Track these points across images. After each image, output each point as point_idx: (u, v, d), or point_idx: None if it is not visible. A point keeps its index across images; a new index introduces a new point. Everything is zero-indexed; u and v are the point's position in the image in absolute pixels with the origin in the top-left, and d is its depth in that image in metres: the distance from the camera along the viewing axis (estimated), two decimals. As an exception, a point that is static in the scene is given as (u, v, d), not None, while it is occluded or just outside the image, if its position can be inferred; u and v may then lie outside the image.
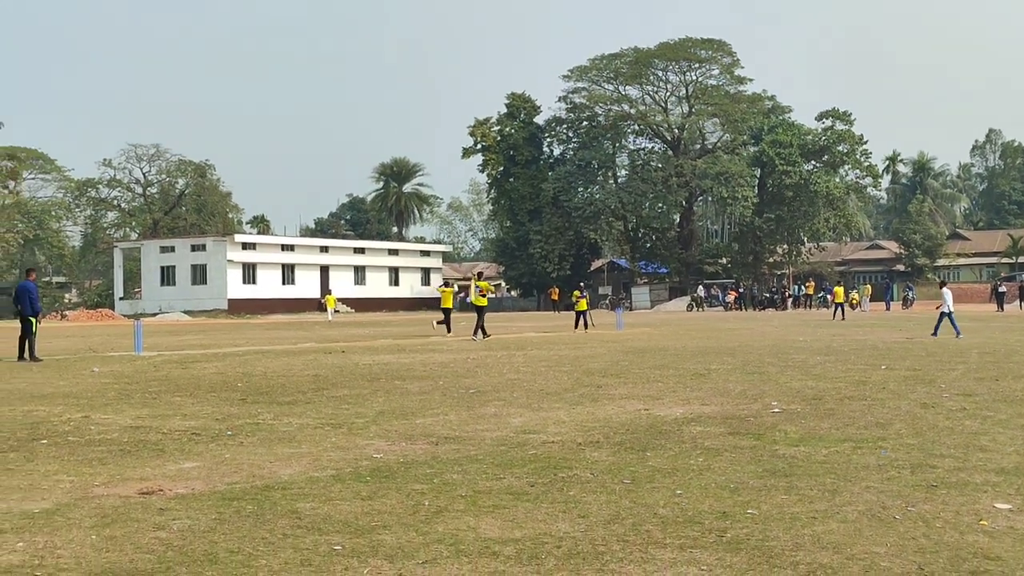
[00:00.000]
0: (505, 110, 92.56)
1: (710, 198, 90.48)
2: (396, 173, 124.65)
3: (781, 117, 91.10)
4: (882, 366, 18.72)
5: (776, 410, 12.48)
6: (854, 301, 53.26)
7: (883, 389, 14.67)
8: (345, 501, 7.65)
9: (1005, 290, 61.42)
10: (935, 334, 29.06)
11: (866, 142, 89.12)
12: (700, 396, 14.21)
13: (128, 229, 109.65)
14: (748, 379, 16.63)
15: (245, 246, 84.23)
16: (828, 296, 66.68)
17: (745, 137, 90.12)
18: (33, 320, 23.84)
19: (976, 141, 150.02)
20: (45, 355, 24.69)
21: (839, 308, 50.96)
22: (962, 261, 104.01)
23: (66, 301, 75.91)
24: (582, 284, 48.99)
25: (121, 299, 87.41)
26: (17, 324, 24.66)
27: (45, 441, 10.79)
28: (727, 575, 5.74)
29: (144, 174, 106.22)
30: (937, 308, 30.91)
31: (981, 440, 10.06)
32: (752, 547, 6.28)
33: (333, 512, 7.29)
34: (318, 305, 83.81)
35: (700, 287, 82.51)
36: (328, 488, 8.12)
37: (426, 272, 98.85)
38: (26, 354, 23.55)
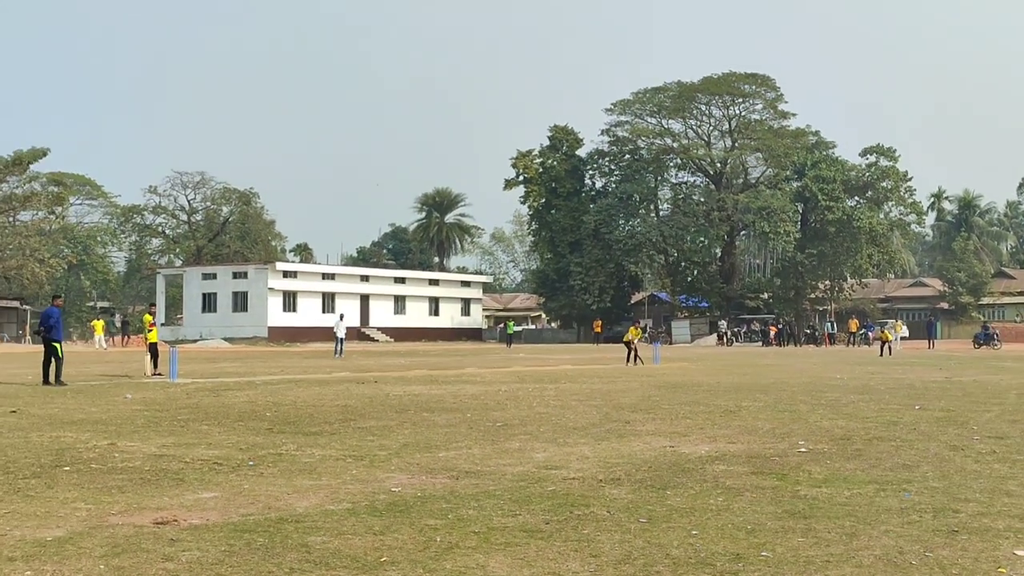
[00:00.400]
0: (548, 142, 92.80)
1: (752, 233, 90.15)
2: (438, 203, 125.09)
3: (824, 152, 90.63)
4: (916, 406, 18.49)
5: (803, 450, 12.35)
6: (886, 337, 52.84)
7: (913, 430, 14.49)
8: (357, 535, 7.61)
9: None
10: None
11: (911, 178, 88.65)
12: (728, 434, 14.09)
13: (172, 255, 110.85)
14: (778, 417, 16.48)
15: (286, 274, 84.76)
16: (870, 333, 66.19)
17: (788, 172, 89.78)
18: (57, 345, 24.03)
19: (1023, 179, 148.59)
20: (81, 380, 24.87)
21: (885, 345, 50.82)
22: (1007, 300, 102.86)
23: (116, 326, 76.37)
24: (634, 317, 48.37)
25: (163, 325, 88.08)
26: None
27: (68, 468, 10.84)
28: (733, 620, 5.66)
29: (189, 201, 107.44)
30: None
31: (1008, 484, 9.89)
32: (762, 591, 6.20)
33: (343, 546, 7.26)
34: (357, 334, 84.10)
35: (723, 322, 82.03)
36: (342, 522, 8.10)
37: (466, 303, 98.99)
38: (51, 378, 23.75)
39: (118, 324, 73.73)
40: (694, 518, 8.28)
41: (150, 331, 29.65)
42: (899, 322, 73.76)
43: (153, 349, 28.81)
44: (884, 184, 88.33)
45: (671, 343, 79.62)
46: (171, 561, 6.82)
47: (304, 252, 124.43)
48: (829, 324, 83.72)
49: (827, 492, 9.47)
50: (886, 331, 55.00)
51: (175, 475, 10.45)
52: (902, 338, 66.33)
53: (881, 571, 6.67)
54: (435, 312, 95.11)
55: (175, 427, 14.93)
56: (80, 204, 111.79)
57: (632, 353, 37.25)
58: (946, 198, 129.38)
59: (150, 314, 31.17)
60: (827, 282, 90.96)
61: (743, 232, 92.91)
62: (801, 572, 6.62)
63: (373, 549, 7.19)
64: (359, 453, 12.05)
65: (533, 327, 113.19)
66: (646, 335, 79.72)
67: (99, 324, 64.27)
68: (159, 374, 27.62)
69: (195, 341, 74.71)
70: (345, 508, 8.67)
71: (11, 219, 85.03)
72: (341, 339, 49.44)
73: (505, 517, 8.31)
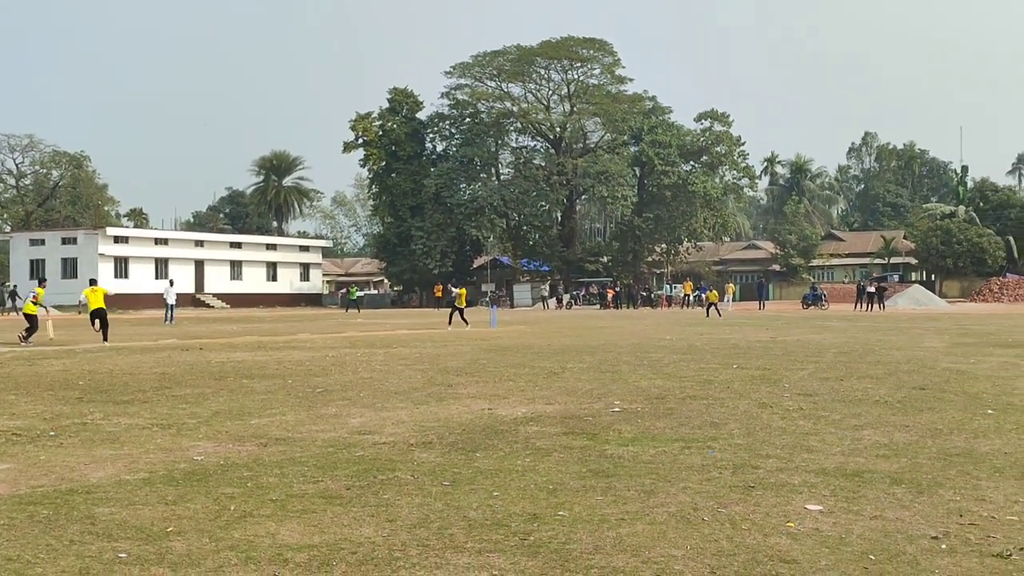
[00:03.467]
0: (387, 105, 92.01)
1: (591, 197, 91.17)
2: (276, 167, 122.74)
3: (661, 117, 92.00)
4: (734, 365, 18.89)
5: (616, 409, 12.47)
6: (712, 298, 54.43)
7: (727, 388, 14.78)
8: (148, 506, 7.38)
9: (873, 289, 62.70)
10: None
11: (744, 143, 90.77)
12: (547, 395, 14.16)
13: (0, 221, 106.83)
14: (599, 378, 16.64)
15: (117, 239, 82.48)
16: (704, 295, 67.64)
17: (625, 137, 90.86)
18: None
19: (852, 143, 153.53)
20: None
21: (712, 307, 52.19)
22: (836, 261, 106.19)
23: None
24: (453, 282, 48.87)
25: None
26: None
27: None
28: (518, 581, 5.64)
29: (17, 165, 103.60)
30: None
31: (810, 440, 10.13)
32: (552, 550, 6.19)
33: (131, 518, 7.03)
34: (192, 300, 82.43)
35: (545, 286, 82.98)
36: (134, 492, 7.84)
37: (305, 268, 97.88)
38: None
39: (6, 294, 70.37)
40: (498, 479, 8.27)
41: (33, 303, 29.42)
42: (730, 284, 75.52)
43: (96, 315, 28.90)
44: (718, 149, 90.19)
45: (512, 307, 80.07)
46: (-58, 537, 6.50)
47: (138, 217, 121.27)
48: (668, 287, 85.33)
49: (633, 451, 9.56)
50: (711, 293, 56.46)
51: (-32, 448, 10.01)
52: (732, 299, 68.01)
53: (673, 527, 6.73)
54: (273, 278, 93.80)
55: (-21, 398, 14.34)
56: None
57: (453, 312, 37.63)
58: (779, 162, 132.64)
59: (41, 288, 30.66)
60: (664, 245, 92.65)
61: (583, 196, 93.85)
62: (594, 531, 6.64)
63: (162, 519, 6.98)
64: (168, 422, 11.74)
65: (375, 292, 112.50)
66: (486, 299, 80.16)
67: None
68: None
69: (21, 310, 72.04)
70: (141, 478, 8.41)
71: None
72: (172, 305, 48.44)
73: (306, 484, 8.16)
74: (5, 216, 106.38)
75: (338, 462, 9.11)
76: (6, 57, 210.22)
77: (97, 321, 28.83)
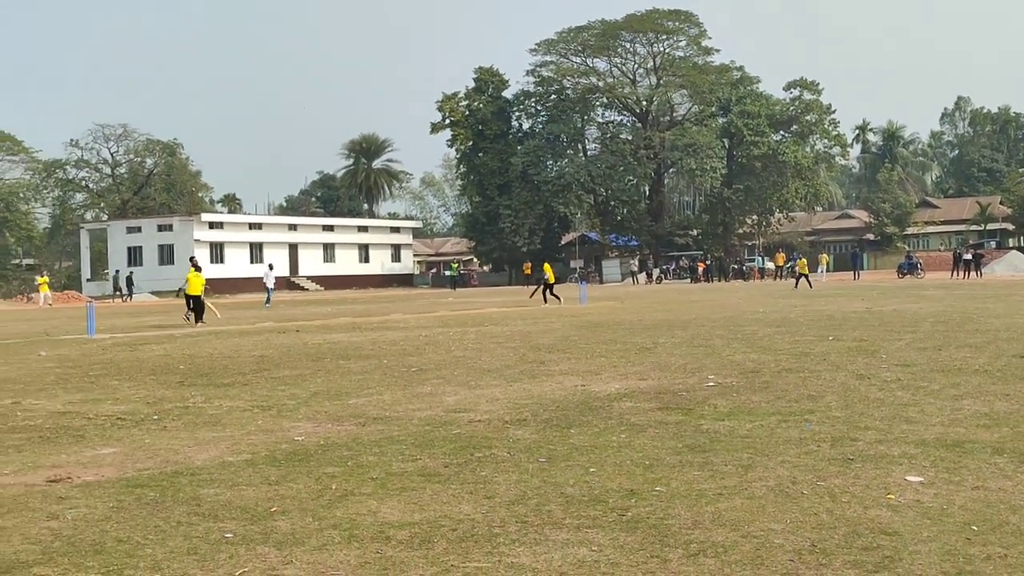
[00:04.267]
0: (473, 84, 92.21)
1: (679, 170, 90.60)
2: (365, 149, 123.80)
3: (749, 88, 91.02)
4: (830, 337, 18.68)
5: (711, 384, 12.42)
6: (802, 270, 53.47)
7: (823, 360, 14.63)
8: (251, 486, 7.53)
9: (970, 256, 61.52)
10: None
11: (834, 111, 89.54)
12: (640, 371, 14.14)
13: (97, 210, 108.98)
14: (692, 353, 16.57)
15: (212, 225, 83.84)
16: (795, 266, 66.94)
17: (713, 108, 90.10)
18: None
19: (945, 109, 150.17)
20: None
21: (802, 278, 51.57)
22: (931, 229, 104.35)
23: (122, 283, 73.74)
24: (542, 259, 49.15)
25: (89, 280, 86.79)
26: None
27: (-35, 430, 10.64)
28: (618, 555, 5.65)
29: (112, 154, 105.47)
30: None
31: (909, 411, 10.00)
32: (650, 526, 6.20)
33: (235, 498, 7.18)
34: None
35: (634, 261, 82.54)
36: (238, 473, 8.01)
37: (396, 249, 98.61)
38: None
39: (123, 281, 71.80)
40: (594, 456, 8.29)
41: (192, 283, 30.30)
42: (823, 254, 74.57)
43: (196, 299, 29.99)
44: (808, 118, 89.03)
45: (601, 283, 79.94)
46: (56, 519, 6.70)
47: (232, 202, 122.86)
48: (759, 259, 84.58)
49: (729, 425, 9.52)
50: (800, 262, 55.69)
51: (76, 432, 10.28)
52: (826, 270, 67.13)
53: (772, 501, 6.70)
54: (365, 259, 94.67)
55: (84, 383, 14.71)
56: (0, 160, 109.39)
57: (545, 290, 37.87)
58: (870, 130, 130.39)
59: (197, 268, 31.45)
60: (754, 217, 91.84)
61: (671, 170, 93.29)
62: (692, 505, 6.64)
63: (265, 499, 7.11)
64: (268, 403, 11.95)
65: (459, 267, 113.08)
66: (575, 276, 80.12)
67: (44, 281, 62.99)
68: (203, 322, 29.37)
69: (111, 296, 73.50)
70: (244, 459, 8.58)
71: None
72: (271, 289, 49.22)
73: (405, 462, 8.26)
74: (102, 205, 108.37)
75: (435, 440, 9.21)
76: (100, 48, 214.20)
77: (192, 303, 29.48)
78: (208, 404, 12.04)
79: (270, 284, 49.39)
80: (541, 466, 7.95)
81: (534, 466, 7.96)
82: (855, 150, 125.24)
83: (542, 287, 39.12)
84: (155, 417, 11.10)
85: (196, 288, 29.70)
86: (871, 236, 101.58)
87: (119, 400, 12.67)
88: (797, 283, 51.89)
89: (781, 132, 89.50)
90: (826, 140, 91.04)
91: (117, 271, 76.46)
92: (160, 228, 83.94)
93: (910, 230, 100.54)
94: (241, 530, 6.34)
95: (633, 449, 8.52)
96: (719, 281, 74.13)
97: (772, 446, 8.48)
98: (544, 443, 8.91)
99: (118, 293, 71.34)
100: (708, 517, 6.36)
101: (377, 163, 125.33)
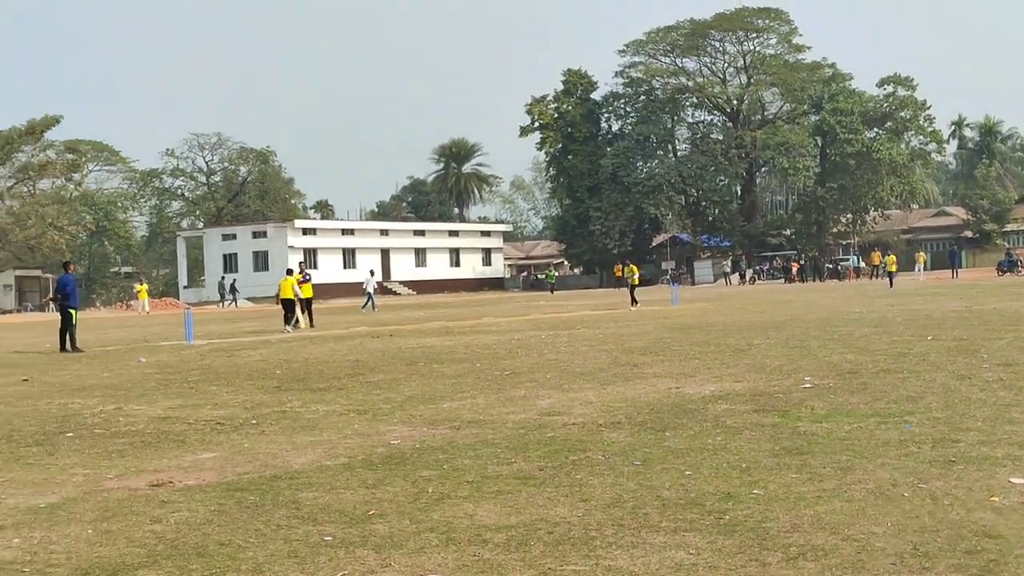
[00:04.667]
0: (562, 87, 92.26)
1: (772, 169, 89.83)
2: (455, 154, 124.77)
3: (841, 85, 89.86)
4: (928, 337, 18.35)
5: (807, 385, 12.27)
6: (890, 267, 52.56)
7: (923, 361, 14.37)
8: (349, 490, 7.61)
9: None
10: None
11: (929, 107, 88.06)
12: (734, 373, 14.02)
13: (193, 218, 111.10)
14: (787, 354, 16.38)
15: (305, 231, 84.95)
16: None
17: (805, 106, 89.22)
18: (73, 312, 24.17)
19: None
20: (99, 346, 25.02)
21: (891, 276, 50.88)
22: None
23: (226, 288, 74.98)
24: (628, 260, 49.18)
25: (186, 287, 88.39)
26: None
27: (71, 434, 10.89)
28: (715, 559, 5.61)
29: (207, 163, 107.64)
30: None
31: (1012, 412, 9.79)
32: (748, 529, 6.15)
33: (333, 501, 7.26)
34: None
35: (727, 262, 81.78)
36: (335, 477, 8.09)
37: (487, 252, 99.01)
38: (68, 345, 23.88)
39: (227, 287, 73.02)
40: (689, 459, 8.24)
41: (302, 286, 30.96)
42: (920, 253, 73.32)
43: (306, 304, 30.76)
44: (903, 114, 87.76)
45: (693, 284, 79.47)
46: (159, 523, 6.83)
47: (324, 209, 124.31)
48: (854, 257, 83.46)
49: (827, 427, 9.40)
50: (889, 259, 54.79)
51: (177, 437, 10.47)
52: (923, 268, 65.99)
53: (872, 504, 6.60)
54: (456, 263, 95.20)
55: (184, 389, 14.99)
56: (99, 170, 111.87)
57: (632, 291, 38.06)
58: (967, 125, 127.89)
59: (300, 273, 32.15)
60: (849, 215, 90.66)
61: (763, 169, 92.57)
62: (791, 508, 6.56)
63: (363, 503, 7.18)
64: (363, 407, 12.06)
65: (555, 274, 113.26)
66: (666, 277, 79.73)
67: (143, 288, 64.14)
68: (298, 326, 29.80)
69: (217, 302, 74.77)
70: (341, 463, 8.66)
71: (29, 188, 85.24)
72: (370, 294, 49.69)
73: (500, 465, 8.29)
74: (197, 212, 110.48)
75: (530, 443, 9.22)
76: (195, 59, 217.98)
77: (297, 307, 30.00)
78: (305, 408, 12.19)
79: (370, 289, 49.87)
80: (636, 469, 7.92)
81: (629, 469, 7.93)
82: (951, 146, 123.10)
83: (630, 288, 39.20)
84: (253, 422, 11.27)
85: (288, 291, 30.18)
86: (969, 234, 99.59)
87: (218, 405, 12.88)
88: (891, 281, 51.10)
89: (875, 129, 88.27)
90: (921, 136, 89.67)
91: (223, 277, 77.63)
92: (255, 235, 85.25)
93: (1009, 227, 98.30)
94: (340, 533, 6.41)
95: (729, 452, 8.45)
96: (813, 281, 73.23)
97: (871, 448, 8.36)
98: (639, 446, 8.87)
99: (225, 299, 72.34)
100: (807, 520, 6.28)
101: (467, 167, 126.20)
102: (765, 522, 6.27)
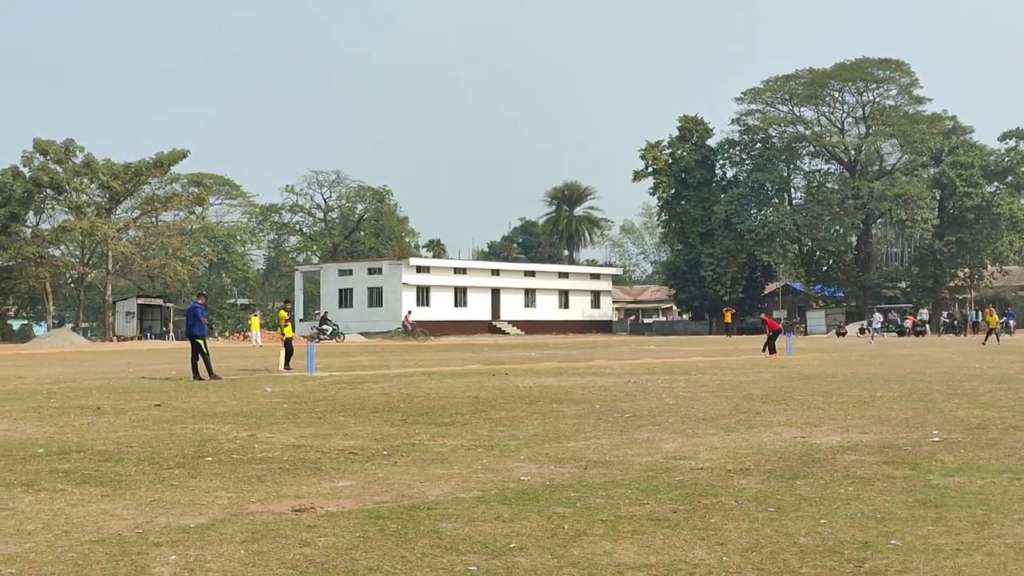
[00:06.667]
0: (677, 133, 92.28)
1: (888, 220, 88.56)
2: (567, 197, 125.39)
3: (962, 138, 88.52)
4: (1057, 395, 18.03)
5: (936, 439, 12.18)
6: (992, 324, 50.92)
7: (1053, 419, 14.17)
8: (487, 522, 7.79)
9: None
10: None
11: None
12: (860, 424, 13.94)
13: (309, 253, 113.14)
14: (912, 407, 16.22)
15: (419, 269, 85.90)
16: (1011, 322, 64.43)
17: (924, 158, 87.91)
18: (201, 341, 24.76)
19: None
20: (224, 375, 25.59)
21: (992, 333, 49.48)
22: None
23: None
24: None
25: (302, 321, 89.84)
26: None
27: (210, 458, 11.26)
28: (859, 606, 5.68)
29: (325, 199, 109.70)
30: None
31: None
32: (889, 579, 6.19)
33: (473, 533, 7.44)
34: (488, 327, 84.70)
35: (876, 315, 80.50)
36: (472, 509, 8.28)
37: (596, 295, 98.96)
38: (202, 374, 24.47)
39: (319, 320, 73.81)
40: (823, 507, 8.27)
41: (285, 326, 30.31)
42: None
43: (288, 345, 29.43)
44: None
45: (806, 334, 78.55)
46: (308, 546, 7.08)
47: (436, 248, 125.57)
48: (972, 313, 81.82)
49: (959, 481, 9.35)
50: (989, 313, 53.29)
51: (312, 464, 10.77)
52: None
53: (1013, 559, 6.60)
54: (565, 305, 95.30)
55: (312, 418, 15.35)
56: (220, 204, 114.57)
57: (769, 339, 37.30)
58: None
59: (285, 311, 31.83)
60: (966, 270, 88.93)
61: (879, 220, 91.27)
62: (930, 560, 6.58)
63: (502, 535, 7.35)
64: (489, 443, 12.26)
65: (664, 319, 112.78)
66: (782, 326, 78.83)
67: (255, 320, 65.35)
68: (290, 368, 28.23)
69: (331, 336, 75.76)
70: (475, 496, 8.86)
71: (154, 219, 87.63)
72: (408, 328, 48.60)
73: (633, 506, 8.40)
74: (314, 248, 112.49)
75: (660, 486, 9.32)
76: (318, 102, 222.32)
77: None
78: (432, 442, 12.42)
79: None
80: (770, 515, 7.98)
81: (763, 515, 7.99)
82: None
83: (768, 336, 38.37)
84: (385, 452, 11.52)
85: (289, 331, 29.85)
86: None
87: (348, 435, 13.18)
88: (997, 337, 49.59)
89: (996, 183, 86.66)
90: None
91: (326, 312, 78.60)
92: (370, 271, 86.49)
93: None
94: (484, 564, 6.59)
95: (862, 502, 8.46)
96: (933, 335, 71.92)
97: (1006, 503, 8.31)
98: (770, 493, 8.92)
99: (323, 332, 72.98)
100: (948, 572, 6.31)
101: (578, 210, 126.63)
102: (905, 572, 6.32)
